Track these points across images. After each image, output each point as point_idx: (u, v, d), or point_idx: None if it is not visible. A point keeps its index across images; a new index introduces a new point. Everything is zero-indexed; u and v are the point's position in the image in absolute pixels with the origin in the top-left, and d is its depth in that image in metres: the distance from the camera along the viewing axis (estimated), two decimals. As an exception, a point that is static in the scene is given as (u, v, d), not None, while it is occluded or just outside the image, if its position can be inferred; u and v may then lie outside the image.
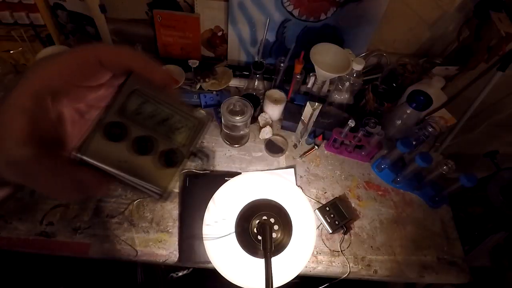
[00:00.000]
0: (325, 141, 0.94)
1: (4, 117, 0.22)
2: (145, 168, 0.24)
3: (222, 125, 0.87)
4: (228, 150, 0.90)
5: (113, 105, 0.24)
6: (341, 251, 0.77)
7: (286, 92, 0.95)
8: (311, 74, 0.92)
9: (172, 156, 0.25)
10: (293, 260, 0.69)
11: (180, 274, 1.10)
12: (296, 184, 0.85)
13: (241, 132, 0.86)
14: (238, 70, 1.01)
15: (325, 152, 0.93)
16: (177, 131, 0.25)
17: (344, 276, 0.75)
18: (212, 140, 0.91)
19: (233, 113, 0.80)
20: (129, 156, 0.24)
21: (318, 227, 0.79)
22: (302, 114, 0.85)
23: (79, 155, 0.22)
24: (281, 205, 0.77)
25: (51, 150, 0.23)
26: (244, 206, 0.74)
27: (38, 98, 0.22)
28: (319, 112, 0.80)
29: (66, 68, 0.23)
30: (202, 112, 0.26)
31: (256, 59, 0.92)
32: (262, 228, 0.66)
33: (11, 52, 0.88)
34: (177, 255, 0.73)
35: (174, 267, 1.09)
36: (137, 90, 0.24)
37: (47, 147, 0.23)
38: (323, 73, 0.81)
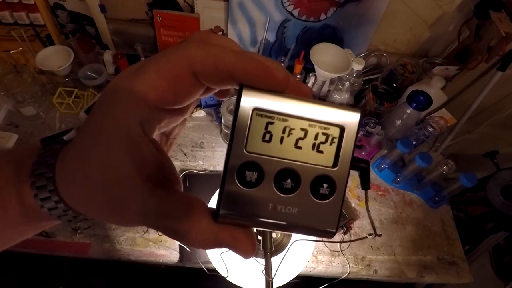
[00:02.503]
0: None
1: (105, 161, 0.17)
2: (302, 209, 0.19)
3: (222, 125, 0.87)
4: (228, 150, 0.90)
5: (236, 141, 0.18)
6: (341, 251, 0.77)
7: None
8: (311, 74, 0.92)
9: (327, 184, 0.19)
10: (293, 260, 0.69)
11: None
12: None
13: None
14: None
15: (325, 152, 0.93)
16: (320, 148, 0.19)
17: (344, 276, 0.75)
18: (212, 140, 0.91)
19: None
20: (276, 199, 0.19)
21: (318, 227, 0.79)
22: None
23: (222, 211, 0.18)
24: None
25: (170, 190, 0.19)
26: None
27: (130, 134, 0.17)
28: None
29: (152, 90, 0.17)
30: (345, 112, 0.19)
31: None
32: (262, 228, 0.66)
33: (11, 52, 0.88)
34: (177, 255, 0.73)
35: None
36: (255, 109, 0.18)
37: (163, 187, 0.19)
38: (323, 73, 0.81)
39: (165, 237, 0.74)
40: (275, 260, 0.65)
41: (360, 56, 0.96)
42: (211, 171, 0.85)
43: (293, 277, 0.69)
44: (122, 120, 0.17)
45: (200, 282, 1.11)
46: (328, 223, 0.19)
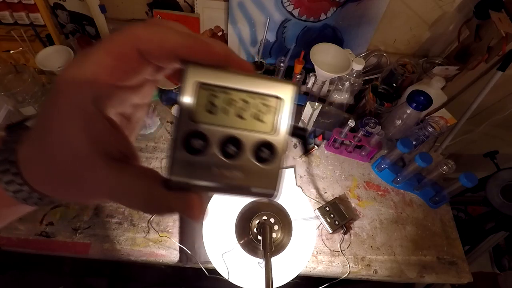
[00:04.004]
0: (325, 141, 0.94)
1: (60, 138, 0.18)
2: (245, 172, 0.20)
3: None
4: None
5: (184, 113, 0.20)
6: (341, 251, 0.77)
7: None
8: (311, 74, 0.92)
9: (268, 148, 0.21)
10: (293, 260, 0.70)
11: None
12: (296, 184, 0.86)
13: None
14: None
15: (325, 152, 0.93)
16: (260, 117, 0.21)
17: (344, 276, 0.75)
18: (212, 140, 0.91)
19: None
20: (221, 164, 0.20)
21: (318, 227, 0.79)
22: (302, 114, 0.85)
23: (173, 178, 0.20)
24: (281, 205, 0.77)
25: (127, 164, 0.20)
26: (244, 206, 0.74)
27: (83, 110, 0.18)
28: (319, 112, 0.80)
29: (101, 68, 0.19)
30: (282, 84, 0.21)
31: (256, 59, 0.92)
32: (262, 228, 0.66)
33: (11, 52, 0.88)
34: (177, 255, 0.73)
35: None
36: (200, 83, 0.20)
37: (120, 161, 0.20)
38: (323, 73, 0.81)
39: (165, 237, 0.74)
40: (275, 260, 0.65)
41: (360, 56, 0.96)
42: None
43: (293, 277, 0.69)
44: (74, 97, 0.18)
45: (200, 282, 1.11)
46: (269, 185, 0.21)
